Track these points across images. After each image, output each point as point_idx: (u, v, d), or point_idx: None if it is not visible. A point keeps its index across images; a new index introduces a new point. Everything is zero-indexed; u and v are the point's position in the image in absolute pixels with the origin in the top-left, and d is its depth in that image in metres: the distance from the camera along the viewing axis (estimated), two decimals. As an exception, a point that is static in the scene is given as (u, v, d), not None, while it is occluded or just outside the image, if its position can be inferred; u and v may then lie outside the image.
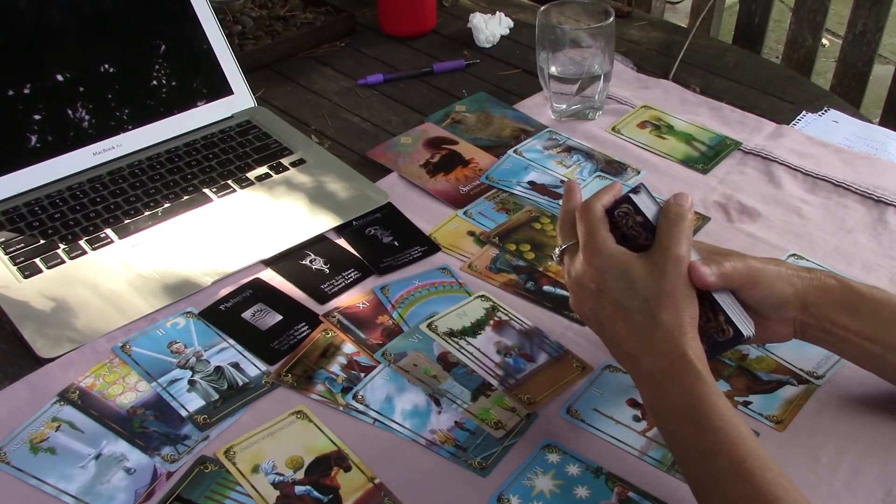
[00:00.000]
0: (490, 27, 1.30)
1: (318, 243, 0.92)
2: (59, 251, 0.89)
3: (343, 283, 0.87)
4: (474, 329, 0.81)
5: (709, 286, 0.66)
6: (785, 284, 0.68)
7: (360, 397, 0.75)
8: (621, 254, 0.67)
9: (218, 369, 0.78)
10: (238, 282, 0.87)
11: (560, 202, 0.97)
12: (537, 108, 1.14)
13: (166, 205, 0.95)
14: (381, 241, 0.92)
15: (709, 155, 1.04)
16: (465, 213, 0.96)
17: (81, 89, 0.99)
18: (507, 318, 0.83)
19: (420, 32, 1.33)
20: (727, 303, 0.68)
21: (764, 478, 0.58)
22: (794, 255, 0.89)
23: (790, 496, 0.57)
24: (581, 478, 0.69)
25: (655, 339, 0.64)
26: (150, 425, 0.73)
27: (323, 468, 0.69)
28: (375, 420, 0.73)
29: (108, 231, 0.91)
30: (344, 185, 0.98)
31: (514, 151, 1.05)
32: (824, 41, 2.54)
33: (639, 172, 1.02)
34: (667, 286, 0.64)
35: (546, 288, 0.86)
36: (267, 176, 1.00)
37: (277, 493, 0.68)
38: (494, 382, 0.76)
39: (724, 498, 0.59)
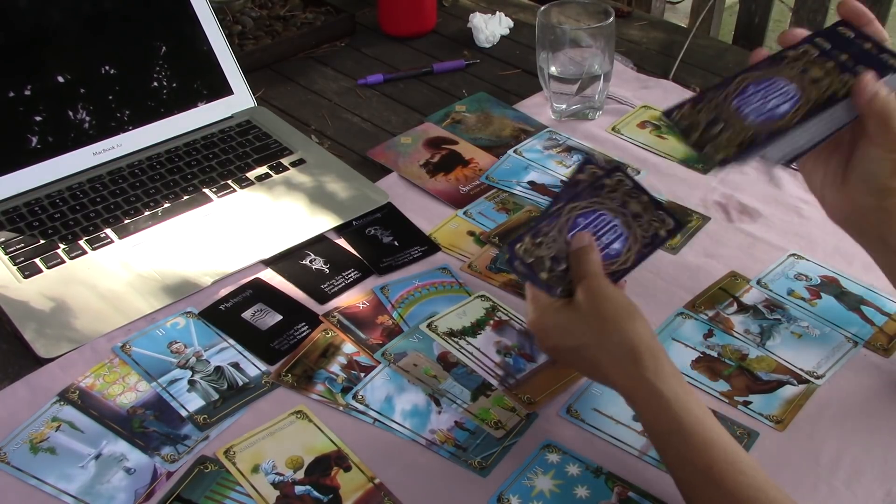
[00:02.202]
0: (490, 27, 1.30)
1: (318, 243, 0.92)
2: (59, 251, 0.89)
3: (343, 283, 0.87)
4: (474, 329, 0.81)
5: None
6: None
7: (360, 397, 0.75)
8: (547, 306, 0.69)
9: (218, 369, 0.78)
10: (238, 282, 0.87)
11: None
12: (537, 108, 1.14)
13: (166, 205, 0.95)
14: (381, 241, 0.92)
15: (709, 155, 1.04)
16: (465, 213, 0.96)
17: (82, 90, 0.99)
18: (507, 318, 0.83)
19: (420, 32, 1.33)
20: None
21: (735, 482, 0.59)
22: (794, 254, 0.90)
23: (766, 497, 0.58)
24: (581, 478, 0.69)
25: (610, 370, 0.66)
26: (150, 425, 0.73)
27: (323, 468, 0.69)
28: (375, 420, 0.73)
29: (108, 231, 0.91)
30: (344, 185, 0.98)
31: (514, 151, 1.05)
32: (824, 41, 2.53)
33: (639, 172, 1.02)
34: (599, 317, 0.66)
35: (546, 288, 0.86)
36: (267, 176, 1.00)
37: (277, 493, 0.68)
38: (494, 382, 0.76)
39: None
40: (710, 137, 0.69)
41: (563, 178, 1.00)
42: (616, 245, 0.71)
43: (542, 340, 0.71)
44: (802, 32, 0.71)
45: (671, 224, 0.72)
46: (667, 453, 0.63)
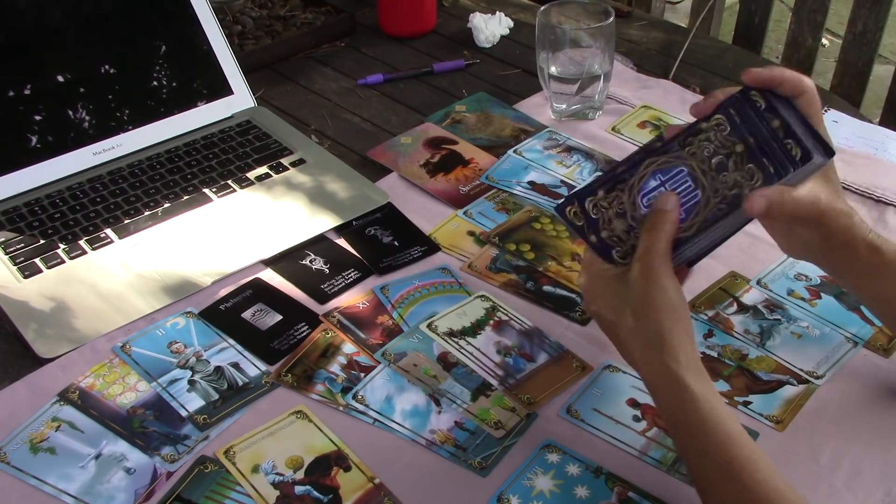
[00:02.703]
0: (490, 27, 1.30)
1: (318, 243, 0.92)
2: (59, 251, 0.89)
3: (343, 283, 0.87)
4: (474, 329, 0.81)
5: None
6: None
7: (360, 397, 0.75)
8: (600, 273, 0.69)
9: (218, 369, 0.78)
10: (238, 282, 0.87)
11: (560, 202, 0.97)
12: (537, 108, 1.14)
13: (166, 205, 0.95)
14: (381, 241, 0.92)
15: (709, 155, 1.04)
16: (465, 213, 0.96)
17: (81, 89, 0.99)
18: (507, 318, 0.83)
19: (420, 32, 1.33)
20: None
21: (753, 479, 0.59)
22: (794, 255, 0.90)
23: (782, 496, 0.58)
24: (581, 478, 0.69)
25: (640, 353, 0.66)
26: (150, 425, 0.73)
27: (323, 468, 0.69)
28: (375, 420, 0.73)
29: (108, 231, 0.91)
30: (344, 185, 0.98)
31: (514, 151, 1.05)
32: (824, 41, 2.54)
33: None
34: (643, 300, 0.65)
35: (546, 288, 0.86)
36: (267, 176, 1.00)
37: (277, 493, 0.68)
38: (494, 382, 0.76)
39: (715, 499, 0.61)
40: (618, 237, 0.68)
41: (563, 178, 1.00)
42: (685, 207, 0.65)
43: (587, 303, 0.71)
44: (717, 99, 0.65)
45: (759, 180, 0.62)
46: (687, 447, 0.63)
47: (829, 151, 0.64)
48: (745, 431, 0.62)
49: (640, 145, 0.71)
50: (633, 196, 0.67)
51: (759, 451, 0.61)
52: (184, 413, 0.74)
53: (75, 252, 0.89)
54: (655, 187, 0.66)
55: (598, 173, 1.01)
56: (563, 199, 0.70)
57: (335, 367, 0.78)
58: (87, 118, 0.99)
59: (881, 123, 1.15)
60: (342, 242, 0.92)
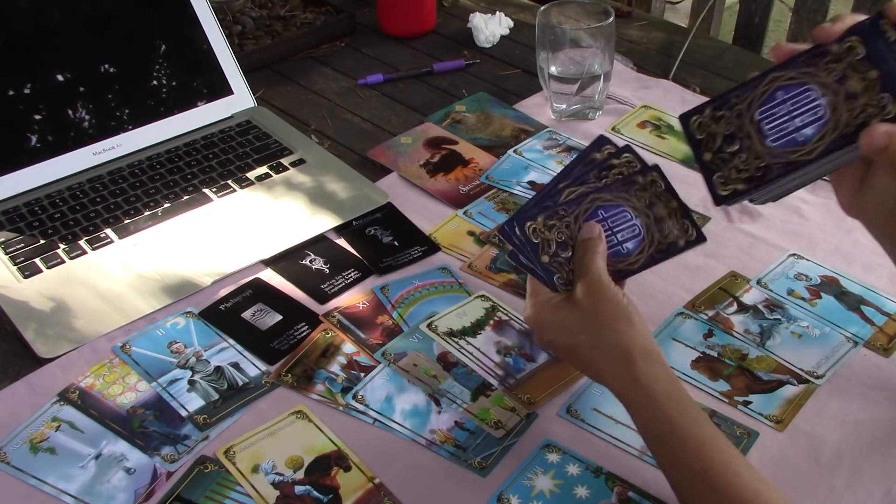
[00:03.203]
0: (490, 27, 1.30)
1: (318, 243, 0.92)
2: (59, 251, 0.89)
3: (343, 283, 0.87)
4: (474, 329, 0.81)
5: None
6: None
7: (360, 397, 0.75)
8: (545, 302, 0.69)
9: (218, 369, 0.78)
10: (238, 282, 0.87)
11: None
12: (537, 108, 1.14)
13: (166, 205, 0.95)
14: (381, 241, 0.92)
15: (709, 155, 1.04)
16: (465, 212, 0.96)
17: (81, 89, 0.99)
18: (507, 317, 0.83)
19: (420, 32, 1.33)
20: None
21: (730, 484, 0.58)
22: (794, 254, 0.90)
23: (762, 499, 0.58)
24: (581, 478, 0.69)
25: (604, 370, 0.66)
26: (150, 425, 0.73)
27: (323, 468, 0.69)
28: (375, 420, 0.73)
29: (108, 231, 0.91)
30: (344, 185, 0.98)
31: (514, 151, 1.05)
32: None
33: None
34: (595, 316, 0.66)
35: (546, 288, 0.86)
36: (267, 176, 1.00)
37: (277, 493, 0.68)
38: (494, 382, 0.76)
39: None
40: (722, 159, 0.65)
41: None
42: (629, 244, 0.69)
43: (539, 336, 0.71)
44: (844, 24, 0.61)
45: (693, 235, 0.68)
46: (662, 456, 0.63)
47: None
48: (722, 435, 0.62)
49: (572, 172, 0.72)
50: (579, 222, 0.69)
51: (736, 454, 0.60)
52: (184, 413, 0.74)
53: (75, 252, 0.89)
54: (776, 105, 0.63)
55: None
56: (505, 226, 0.70)
57: (335, 367, 0.78)
58: (87, 118, 0.99)
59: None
60: (342, 242, 0.92)
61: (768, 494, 0.58)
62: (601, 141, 0.71)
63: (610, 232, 0.69)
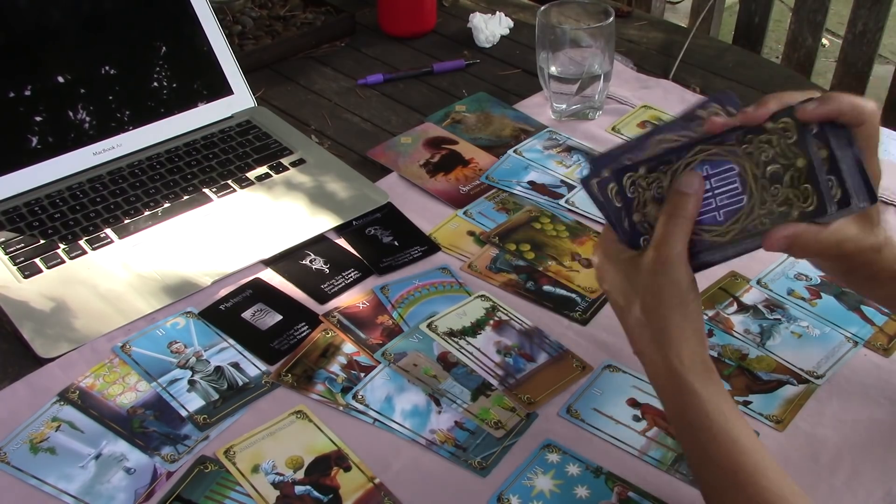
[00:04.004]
0: (490, 27, 1.30)
1: (318, 243, 0.92)
2: (59, 251, 0.89)
3: (343, 283, 0.87)
4: (474, 329, 0.81)
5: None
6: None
7: (360, 397, 0.75)
8: (612, 254, 0.66)
9: (218, 369, 0.78)
10: (238, 282, 0.87)
11: (559, 202, 0.97)
12: (537, 108, 1.14)
13: (166, 205, 0.95)
14: (381, 241, 0.92)
15: (709, 155, 1.04)
16: (465, 212, 0.96)
17: (82, 90, 0.99)
18: (507, 317, 0.83)
19: (420, 32, 1.33)
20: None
21: (758, 486, 0.57)
22: (794, 254, 0.90)
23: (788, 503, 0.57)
24: (581, 478, 0.69)
25: (646, 347, 0.64)
26: (150, 425, 0.73)
27: (323, 468, 0.69)
28: (375, 420, 0.73)
29: (108, 231, 0.91)
30: (344, 185, 0.98)
31: (514, 151, 1.05)
32: (824, 41, 2.54)
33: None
34: (653, 291, 0.62)
35: (546, 288, 0.86)
36: (267, 176, 1.00)
37: (277, 493, 0.68)
38: (494, 382, 0.76)
39: None
40: (650, 224, 0.63)
41: (563, 179, 1.00)
42: (723, 212, 0.60)
43: (599, 280, 0.68)
44: (788, 98, 0.59)
45: (813, 204, 0.57)
46: (691, 449, 0.62)
47: (872, 197, 0.57)
48: (754, 434, 0.61)
49: (684, 122, 0.64)
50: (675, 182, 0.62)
51: (767, 456, 0.59)
52: (184, 413, 0.74)
53: (75, 252, 0.89)
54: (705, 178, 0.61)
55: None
56: (590, 168, 0.64)
57: (335, 367, 0.78)
58: (87, 118, 0.99)
59: (881, 123, 1.14)
60: (342, 242, 0.92)
61: (794, 501, 0.57)
62: (715, 99, 0.63)
63: (710, 193, 0.61)
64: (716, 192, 0.60)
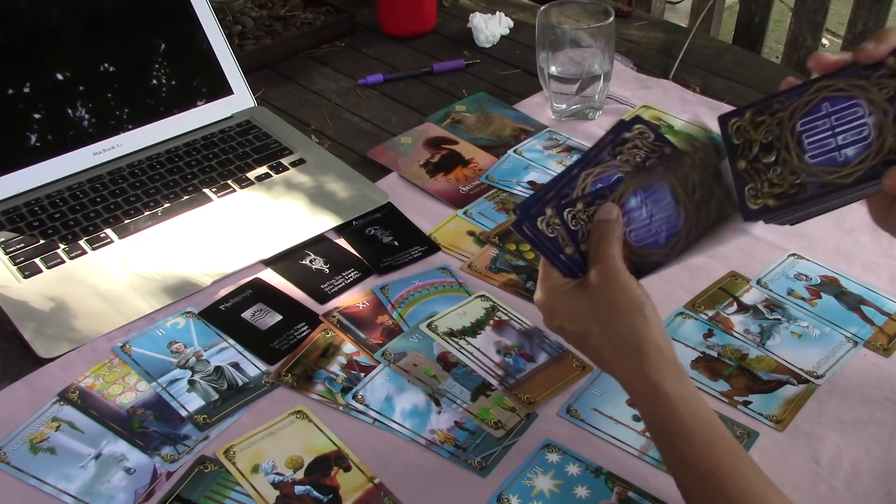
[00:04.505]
0: (490, 27, 1.30)
1: (318, 243, 0.92)
2: (59, 251, 0.89)
3: (343, 283, 0.87)
4: (474, 329, 0.81)
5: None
6: None
7: (359, 397, 0.75)
8: (557, 287, 0.67)
9: (218, 369, 0.78)
10: (238, 282, 0.87)
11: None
12: (537, 108, 1.14)
13: (166, 205, 0.95)
14: (381, 241, 0.92)
15: (709, 155, 1.04)
16: (465, 212, 0.96)
17: (81, 89, 0.99)
18: (507, 317, 0.83)
19: (420, 32, 1.33)
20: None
21: (736, 487, 0.58)
22: (794, 254, 0.90)
23: (768, 502, 0.57)
24: (581, 477, 0.69)
25: (614, 361, 0.64)
26: (150, 425, 0.73)
27: (323, 468, 0.69)
28: (375, 420, 0.73)
29: (108, 231, 0.91)
30: (344, 185, 0.98)
31: (514, 151, 1.05)
32: (824, 41, 2.54)
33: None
34: (606, 303, 0.64)
35: (546, 288, 0.86)
36: (267, 176, 1.00)
37: (277, 492, 0.68)
38: (494, 382, 0.76)
39: None
40: (757, 170, 0.60)
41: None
42: (849, 151, 0.57)
43: (549, 320, 0.68)
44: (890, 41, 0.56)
45: (722, 220, 0.60)
46: (669, 454, 0.62)
47: None
48: (729, 433, 0.61)
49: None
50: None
51: (742, 453, 0.60)
52: (184, 413, 0.74)
53: (75, 252, 0.89)
54: (820, 117, 0.58)
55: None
56: (521, 214, 0.66)
57: (335, 367, 0.78)
58: (87, 118, 0.99)
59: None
60: (342, 242, 0.92)
61: (775, 497, 0.58)
62: (634, 121, 0.66)
63: (830, 132, 0.58)
64: (836, 130, 0.58)
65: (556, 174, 0.67)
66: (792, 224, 0.64)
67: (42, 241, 0.90)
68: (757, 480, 0.58)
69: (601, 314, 0.64)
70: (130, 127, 1.02)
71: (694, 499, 0.61)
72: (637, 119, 0.66)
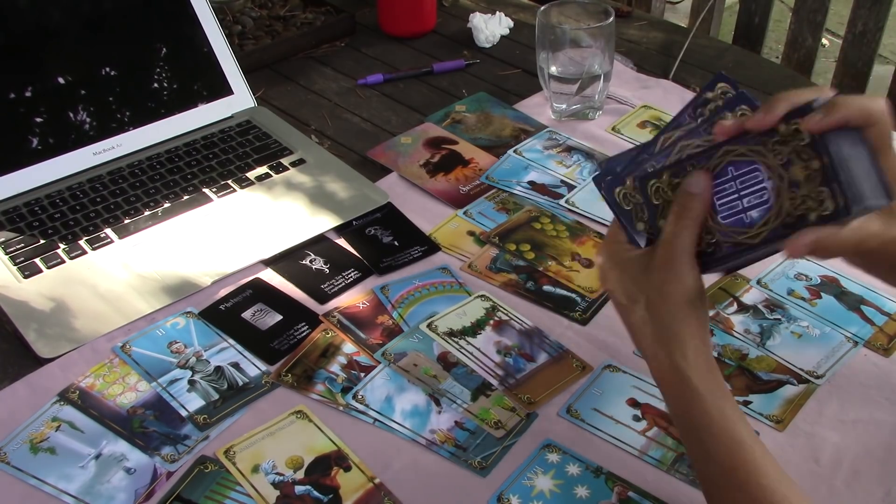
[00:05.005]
0: (490, 27, 1.30)
1: (318, 243, 0.92)
2: (59, 251, 0.89)
3: (343, 283, 0.87)
4: (474, 329, 0.81)
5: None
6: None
7: (360, 397, 0.75)
8: (620, 251, 0.66)
9: (218, 369, 0.78)
10: (238, 282, 0.87)
11: (559, 202, 0.97)
12: (537, 108, 1.14)
13: (166, 205, 0.95)
14: (381, 241, 0.92)
15: (709, 155, 1.04)
16: (465, 212, 0.96)
17: (81, 89, 0.99)
18: (507, 317, 0.83)
19: (420, 32, 1.33)
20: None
21: (758, 485, 0.58)
22: (794, 254, 0.89)
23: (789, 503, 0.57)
24: (581, 477, 0.69)
25: (650, 345, 0.64)
26: (150, 425, 0.73)
27: (323, 468, 0.69)
28: (375, 420, 0.73)
29: (108, 231, 0.91)
30: (344, 185, 0.98)
31: (514, 151, 1.05)
32: (824, 41, 2.54)
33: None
34: (659, 289, 0.62)
35: (546, 288, 0.86)
36: (267, 176, 1.00)
37: (277, 492, 0.68)
38: (494, 382, 0.76)
39: (719, 503, 0.60)
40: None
41: (563, 179, 1.00)
42: (754, 213, 0.59)
43: (602, 280, 0.68)
44: (796, 99, 0.58)
45: (828, 209, 0.55)
46: (692, 447, 0.62)
47: (889, 195, 0.56)
48: (754, 434, 0.61)
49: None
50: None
51: (767, 455, 0.59)
52: (184, 413, 0.74)
53: (75, 252, 0.89)
54: (727, 181, 0.60)
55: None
56: (608, 173, 0.64)
57: (335, 367, 0.78)
58: (88, 118, 0.99)
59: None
60: (342, 242, 0.92)
61: (797, 499, 0.57)
62: (720, 78, 0.64)
63: (736, 195, 0.60)
64: (742, 193, 0.60)
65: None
66: (723, 273, 0.64)
67: (42, 241, 0.90)
68: (779, 481, 0.58)
69: (651, 298, 0.62)
70: (130, 127, 1.02)
71: (715, 492, 0.60)
72: (720, 76, 0.63)
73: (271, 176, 1.00)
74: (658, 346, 0.62)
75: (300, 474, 0.69)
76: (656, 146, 0.65)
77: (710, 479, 0.61)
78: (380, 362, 0.78)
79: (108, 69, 1.01)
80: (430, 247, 0.91)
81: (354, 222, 0.94)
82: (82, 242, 0.90)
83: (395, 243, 0.92)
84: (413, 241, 0.92)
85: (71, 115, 0.98)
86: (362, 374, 0.77)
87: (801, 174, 0.57)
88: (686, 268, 0.61)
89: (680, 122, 0.64)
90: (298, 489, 0.68)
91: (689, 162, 0.62)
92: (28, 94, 0.96)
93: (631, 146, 1.06)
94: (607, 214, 0.94)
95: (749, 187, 0.59)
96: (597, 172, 0.65)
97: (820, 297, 0.85)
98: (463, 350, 0.79)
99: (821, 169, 0.56)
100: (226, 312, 0.83)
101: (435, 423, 0.73)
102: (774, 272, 0.87)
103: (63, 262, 0.88)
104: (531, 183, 1.00)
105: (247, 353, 0.79)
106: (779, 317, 0.83)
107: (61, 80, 0.98)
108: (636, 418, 0.73)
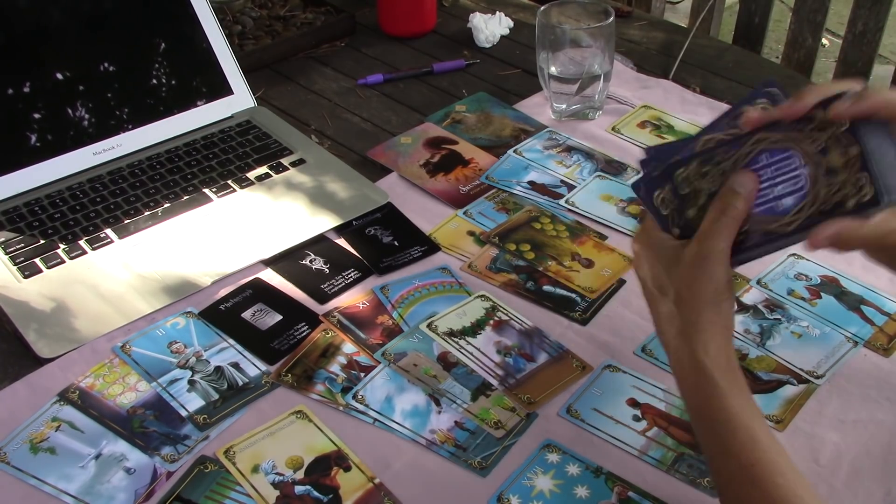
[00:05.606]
0: (490, 27, 1.30)
1: (318, 243, 0.92)
2: (59, 251, 0.89)
3: (343, 283, 0.87)
4: (474, 329, 0.81)
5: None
6: None
7: (360, 397, 0.75)
8: (657, 244, 0.66)
9: (218, 369, 0.78)
10: (238, 282, 0.87)
11: (559, 202, 0.97)
12: (537, 108, 1.14)
13: (166, 205, 0.95)
14: (381, 241, 0.92)
15: (709, 155, 1.04)
16: (465, 212, 0.96)
17: (81, 89, 0.99)
18: (507, 317, 0.83)
19: (420, 32, 1.33)
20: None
21: (773, 483, 0.57)
22: (794, 254, 0.89)
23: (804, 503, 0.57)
24: (581, 477, 0.69)
25: (673, 338, 0.64)
26: (150, 425, 0.73)
27: (323, 468, 0.69)
28: (375, 420, 0.73)
29: (108, 231, 0.91)
30: (344, 185, 0.98)
31: (514, 151, 1.05)
32: (824, 41, 2.54)
33: (639, 172, 1.02)
34: (689, 285, 0.62)
35: (546, 288, 0.86)
36: (267, 176, 1.00)
37: (277, 492, 0.68)
38: (494, 382, 0.76)
39: (736, 499, 0.60)
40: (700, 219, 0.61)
41: (563, 179, 1.00)
42: (788, 201, 0.59)
43: (636, 266, 0.68)
44: (826, 90, 0.58)
45: (868, 195, 0.55)
46: (709, 442, 0.62)
47: None
48: (772, 434, 0.60)
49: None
50: (738, 168, 0.61)
51: (783, 454, 0.59)
52: (184, 413, 0.74)
53: (75, 252, 0.89)
54: (760, 168, 0.60)
55: (599, 173, 0.99)
56: (645, 176, 0.64)
57: (335, 367, 0.78)
58: (87, 118, 0.99)
59: (881, 123, 1.14)
60: (342, 242, 0.92)
61: (810, 499, 0.57)
62: (768, 84, 0.62)
63: (769, 182, 0.59)
64: (776, 181, 0.59)
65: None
66: (734, 266, 0.64)
67: (42, 241, 0.90)
68: (795, 480, 0.58)
69: (681, 292, 0.63)
70: (130, 127, 1.02)
71: (729, 486, 0.60)
72: (762, 90, 0.62)
73: (271, 176, 1.00)
74: (681, 340, 0.63)
75: (300, 474, 0.69)
76: (695, 144, 0.64)
77: (725, 474, 0.60)
78: (380, 362, 0.78)
79: (107, 69, 1.01)
80: (430, 247, 0.91)
81: (354, 222, 0.94)
82: (82, 242, 0.90)
83: (395, 243, 0.92)
84: (413, 241, 0.92)
85: (71, 114, 0.98)
86: (362, 374, 0.77)
87: (840, 161, 0.56)
88: (719, 266, 0.61)
89: (717, 129, 0.63)
90: (298, 489, 0.68)
91: (719, 149, 0.61)
92: (28, 93, 0.96)
93: (631, 146, 1.06)
94: (607, 214, 0.94)
95: (783, 174, 0.59)
96: (638, 177, 0.64)
97: (820, 297, 0.85)
98: (463, 350, 0.79)
99: (859, 155, 0.55)
100: (226, 312, 0.83)
101: (435, 423, 0.73)
102: (774, 272, 0.87)
103: (63, 262, 0.88)
104: (531, 183, 1.00)
105: (247, 353, 0.79)
106: (779, 317, 0.83)
107: (61, 80, 0.98)
108: (636, 418, 0.73)
